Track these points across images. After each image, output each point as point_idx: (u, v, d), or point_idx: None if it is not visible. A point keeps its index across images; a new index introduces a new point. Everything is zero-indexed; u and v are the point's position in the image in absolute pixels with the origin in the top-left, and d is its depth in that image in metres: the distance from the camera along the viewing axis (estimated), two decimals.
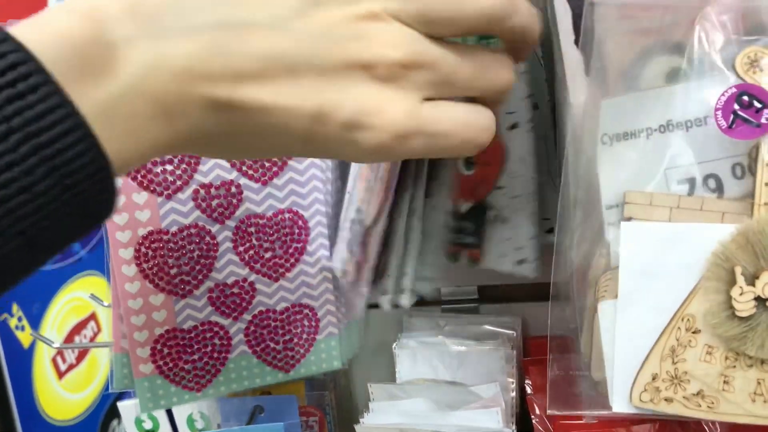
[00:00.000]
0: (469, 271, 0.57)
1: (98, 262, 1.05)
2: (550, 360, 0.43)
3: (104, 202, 0.28)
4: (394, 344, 0.61)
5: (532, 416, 0.54)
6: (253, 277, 0.55)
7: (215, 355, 0.55)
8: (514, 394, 0.55)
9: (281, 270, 0.56)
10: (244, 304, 0.56)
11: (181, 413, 0.66)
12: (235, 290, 0.55)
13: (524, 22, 0.35)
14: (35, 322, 0.95)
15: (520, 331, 0.62)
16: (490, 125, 0.36)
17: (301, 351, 0.57)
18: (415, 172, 0.45)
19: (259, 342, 0.56)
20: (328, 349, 0.58)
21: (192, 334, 0.54)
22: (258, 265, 0.55)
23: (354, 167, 0.50)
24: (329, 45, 0.32)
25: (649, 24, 0.40)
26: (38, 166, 0.25)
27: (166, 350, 0.54)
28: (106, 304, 0.79)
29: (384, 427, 0.47)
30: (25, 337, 0.95)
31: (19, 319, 0.94)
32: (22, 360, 0.95)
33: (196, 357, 0.54)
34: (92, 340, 1.01)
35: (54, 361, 0.97)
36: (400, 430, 0.47)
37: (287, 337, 0.56)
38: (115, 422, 0.88)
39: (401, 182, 0.45)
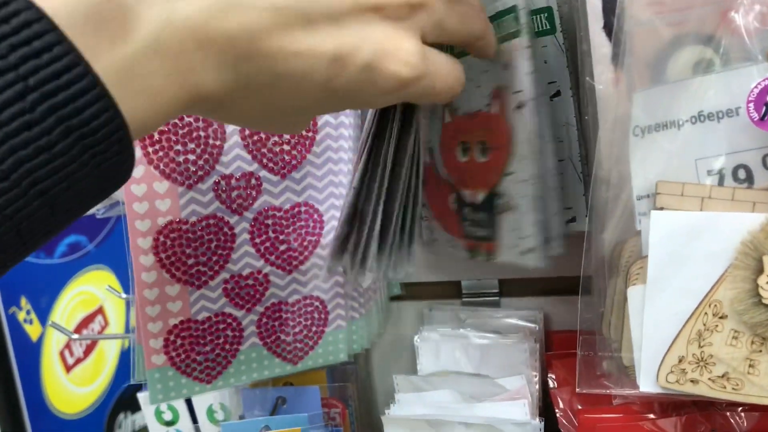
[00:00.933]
0: (488, 264, 0.59)
1: (106, 256, 1.07)
2: (579, 341, 0.45)
3: (122, 163, 0.29)
4: (416, 337, 0.62)
5: (557, 410, 0.55)
6: (267, 269, 0.57)
7: (227, 346, 0.56)
8: (537, 387, 0.57)
9: (295, 263, 0.58)
10: (257, 295, 0.57)
11: (200, 404, 0.68)
12: (250, 282, 0.57)
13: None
14: (43, 315, 0.97)
15: (542, 324, 0.64)
16: (462, 75, 0.39)
17: (310, 343, 0.59)
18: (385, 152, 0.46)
19: (270, 334, 0.58)
20: (336, 342, 0.60)
21: (205, 326, 0.56)
22: (273, 257, 0.57)
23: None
24: None
25: (678, 14, 0.42)
26: (56, 126, 0.26)
27: (179, 341, 0.55)
28: (124, 295, 0.81)
29: (411, 418, 0.49)
30: (33, 330, 0.97)
31: (28, 312, 0.96)
32: (30, 353, 0.97)
33: (208, 348, 0.56)
34: (100, 333, 1.03)
35: (62, 354, 0.99)
36: (426, 422, 0.49)
37: (297, 329, 0.58)
38: (121, 416, 0.91)
39: (375, 160, 0.47)
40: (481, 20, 0.41)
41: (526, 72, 0.50)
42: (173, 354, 0.55)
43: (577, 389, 0.44)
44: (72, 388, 0.94)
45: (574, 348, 0.46)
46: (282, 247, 0.57)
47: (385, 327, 0.69)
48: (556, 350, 0.62)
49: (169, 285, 0.54)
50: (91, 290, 1.03)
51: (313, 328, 0.59)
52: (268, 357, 0.58)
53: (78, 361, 1.00)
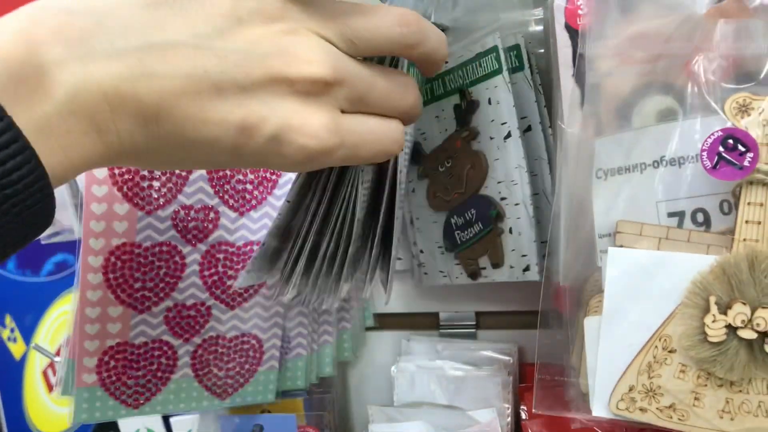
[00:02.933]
0: (466, 297, 0.64)
1: None
2: (537, 366, 0.49)
3: (43, 211, 0.32)
4: (393, 367, 0.67)
5: None
6: (211, 302, 0.60)
7: (159, 374, 0.59)
8: (509, 419, 0.61)
9: (239, 299, 0.61)
10: (197, 327, 0.60)
11: (180, 429, 0.70)
12: (192, 312, 0.60)
13: (433, 48, 0.42)
14: (28, 333, 0.99)
15: (517, 357, 0.68)
16: (400, 137, 0.42)
17: (241, 380, 0.62)
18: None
19: (204, 366, 0.61)
20: (266, 382, 0.63)
21: (141, 350, 0.58)
22: (218, 291, 0.60)
23: None
24: (253, 61, 0.35)
25: (644, 66, 0.47)
26: None
27: (113, 363, 0.57)
28: (56, 359, 0.84)
29: None
30: (17, 348, 0.99)
31: (12, 331, 0.99)
32: (13, 371, 0.99)
33: (140, 373, 0.58)
34: None
35: (45, 373, 1.00)
36: None
37: (231, 365, 0.61)
38: None
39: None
40: (410, 95, 0.43)
41: (511, 104, 0.56)
42: (105, 375, 0.57)
43: (533, 409, 0.49)
44: (54, 408, 0.95)
45: (560, 383, 0.51)
46: (229, 282, 0.60)
47: (360, 351, 0.74)
48: (529, 382, 0.67)
49: (112, 306, 0.56)
50: None
51: (246, 366, 0.62)
52: (198, 389, 0.61)
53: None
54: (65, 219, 0.64)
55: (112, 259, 0.56)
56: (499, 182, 0.60)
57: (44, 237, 0.64)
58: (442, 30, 0.61)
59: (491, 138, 0.60)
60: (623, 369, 0.45)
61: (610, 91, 0.47)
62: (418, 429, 0.58)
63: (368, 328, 0.74)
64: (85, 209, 0.54)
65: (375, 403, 0.65)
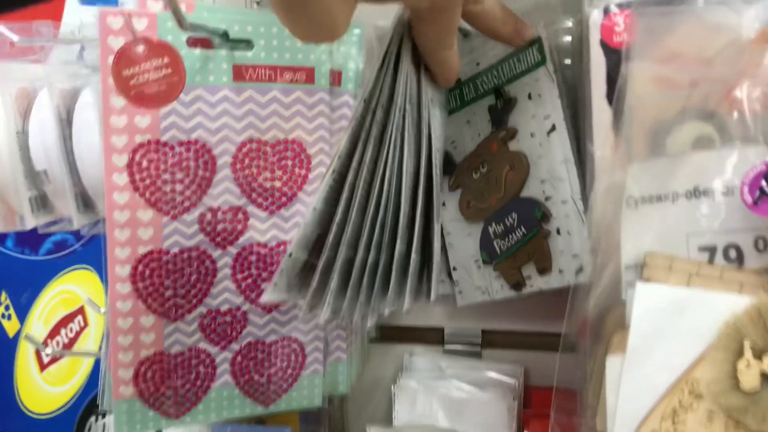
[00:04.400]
0: (472, 313, 0.60)
1: (92, 257, 1.07)
2: (554, 405, 0.46)
3: None
4: (394, 384, 0.64)
5: None
6: (246, 307, 0.57)
7: (198, 383, 0.57)
8: None
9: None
10: (234, 333, 0.58)
11: None
12: (228, 318, 0.57)
13: None
14: (23, 311, 0.98)
15: (522, 380, 0.65)
16: None
17: (284, 386, 0.59)
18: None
19: (244, 373, 0.58)
20: (311, 386, 0.60)
21: (178, 360, 0.56)
22: (254, 295, 0.58)
23: None
24: None
25: (682, 90, 0.43)
26: None
27: (150, 374, 0.55)
28: (102, 310, 0.82)
29: None
30: (10, 325, 0.98)
31: (6, 308, 0.98)
32: (5, 348, 0.98)
33: (179, 383, 0.56)
34: (78, 334, 1.03)
35: (38, 352, 0.99)
36: None
37: (272, 371, 0.58)
38: (92, 419, 0.90)
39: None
40: None
41: (555, 96, 0.54)
42: (143, 386, 0.55)
43: None
44: (45, 387, 0.94)
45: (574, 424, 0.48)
46: (264, 285, 0.58)
47: (363, 370, 0.70)
48: (535, 407, 0.64)
49: (144, 315, 0.54)
50: (73, 290, 1.04)
51: (289, 371, 0.59)
52: (239, 397, 0.58)
53: (53, 360, 1.01)
54: (63, 208, 0.62)
55: (140, 267, 0.54)
56: (542, 181, 0.56)
57: (42, 226, 0.63)
58: (465, 35, 0.58)
59: (532, 135, 0.56)
60: (646, 413, 0.41)
61: (645, 115, 0.44)
62: None
63: (371, 341, 0.71)
64: (108, 218, 0.52)
65: (374, 420, 0.62)
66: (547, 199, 0.56)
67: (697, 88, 0.43)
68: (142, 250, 0.54)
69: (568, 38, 0.57)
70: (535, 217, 0.57)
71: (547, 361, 0.66)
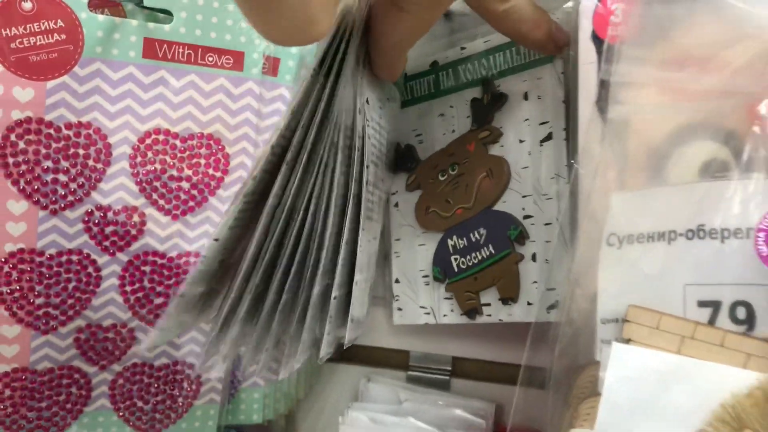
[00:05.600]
0: (444, 336, 0.54)
1: None
2: None
3: None
4: (341, 416, 0.56)
5: None
6: (134, 324, 0.51)
7: (68, 405, 0.51)
8: None
9: None
10: (117, 352, 0.52)
11: None
12: (110, 335, 0.51)
13: None
14: None
15: (492, 420, 0.57)
16: None
17: (173, 416, 0.54)
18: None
19: (125, 398, 0.52)
20: (205, 418, 0.54)
21: (45, 378, 0.50)
22: (144, 311, 0.51)
23: None
24: None
25: (691, 102, 0.34)
26: None
27: (8, 392, 0.49)
28: None
29: None
30: None
31: None
32: None
33: (44, 405, 0.50)
34: None
35: None
36: None
37: (160, 398, 0.52)
38: None
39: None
40: None
41: (560, 100, 0.47)
42: (1, 407, 0.49)
43: None
44: None
45: None
46: (158, 301, 0.51)
47: (307, 393, 0.63)
48: None
49: (6, 324, 0.48)
50: None
51: (180, 399, 0.53)
52: (118, 424, 0.52)
53: None
54: None
55: (6, 268, 0.47)
56: (524, 196, 0.49)
57: None
58: (446, 16, 0.50)
59: (521, 141, 0.49)
60: None
61: (643, 130, 0.35)
62: None
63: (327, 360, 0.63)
64: None
65: None
66: (526, 217, 0.49)
67: (711, 100, 0.34)
68: (10, 247, 0.47)
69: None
70: (509, 237, 0.49)
71: (522, 395, 0.58)
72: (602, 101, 0.37)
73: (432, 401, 0.57)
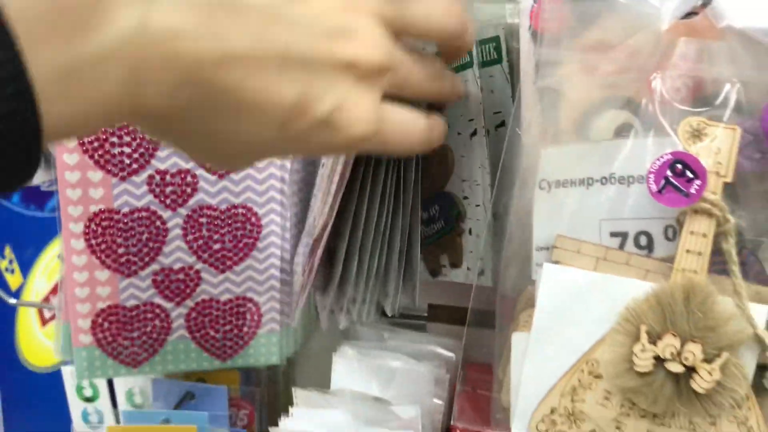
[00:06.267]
0: (423, 287, 0.61)
1: None
2: (461, 376, 0.47)
3: (25, 165, 0.27)
4: (333, 353, 0.64)
5: None
6: (199, 266, 0.59)
7: (154, 335, 0.59)
8: (441, 416, 0.59)
9: (229, 263, 0.60)
10: (188, 290, 0.59)
11: (121, 387, 0.70)
12: (181, 276, 0.59)
13: (467, 42, 0.43)
14: (26, 266, 0.99)
15: (461, 354, 0.65)
16: (427, 135, 0.42)
17: (240, 342, 0.61)
18: (370, 192, 0.49)
19: (200, 329, 0.60)
20: (268, 344, 0.62)
21: (133, 313, 0.58)
22: (206, 255, 0.59)
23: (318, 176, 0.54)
24: (319, 36, 0.34)
25: (606, 78, 0.44)
26: None
27: (106, 324, 0.57)
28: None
29: None
30: (14, 279, 0.99)
31: (10, 262, 0.98)
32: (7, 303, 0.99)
33: (135, 335, 0.58)
34: None
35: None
36: None
37: (228, 327, 0.60)
38: None
39: (358, 201, 0.49)
40: (445, 82, 0.44)
41: (479, 102, 0.54)
42: (100, 336, 0.57)
43: (452, 422, 0.46)
44: (45, 341, 0.95)
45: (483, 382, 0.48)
46: (216, 246, 0.59)
47: (308, 337, 0.72)
48: (468, 382, 0.65)
49: (98, 270, 0.56)
50: None
51: (245, 329, 0.61)
52: (196, 351, 0.60)
53: (54, 315, 1.01)
54: None
55: (93, 225, 0.56)
56: (463, 180, 0.57)
57: (45, 184, 0.69)
58: None
59: (459, 134, 0.57)
60: (547, 390, 0.42)
61: (571, 100, 0.44)
62: (340, 418, 0.56)
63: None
64: (59, 177, 0.54)
65: (316, 385, 0.63)
66: (465, 198, 0.57)
67: (621, 76, 0.43)
68: (93, 208, 0.55)
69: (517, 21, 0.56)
70: (453, 215, 0.58)
71: (485, 337, 0.66)
72: (538, 80, 0.46)
73: (410, 339, 0.66)
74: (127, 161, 0.55)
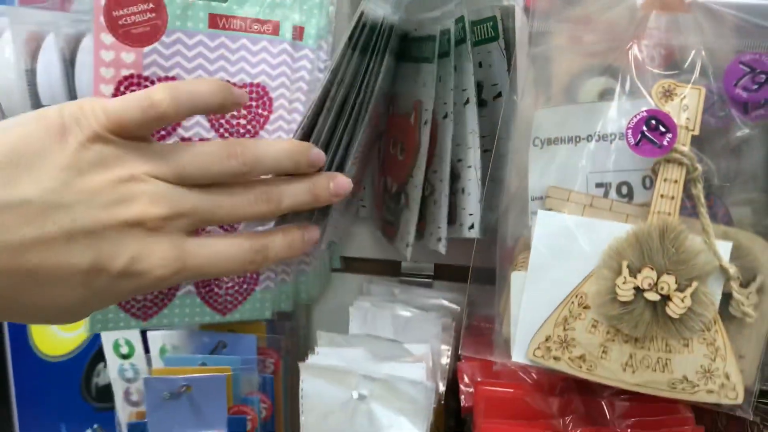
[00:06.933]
0: (428, 250, 0.67)
1: None
2: (467, 312, 0.53)
3: None
4: (350, 306, 0.70)
5: (461, 382, 0.63)
6: (209, 227, 0.61)
7: (165, 290, 0.62)
8: (448, 360, 0.65)
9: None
10: None
11: (155, 342, 0.73)
12: None
13: (265, 170, 0.47)
14: None
15: (465, 306, 0.71)
16: (251, 257, 0.47)
17: (239, 298, 0.64)
18: None
19: (205, 285, 0.63)
20: (263, 300, 0.65)
21: None
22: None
23: None
24: (98, 208, 0.39)
25: (591, 47, 0.50)
26: None
27: None
28: None
29: (322, 367, 0.57)
30: None
31: None
32: None
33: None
34: None
35: None
36: (335, 371, 0.56)
37: (230, 284, 0.64)
38: (101, 365, 0.93)
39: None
40: (261, 203, 0.47)
41: (470, 73, 0.59)
42: None
43: (459, 351, 0.52)
44: (57, 331, 0.96)
45: (486, 330, 0.54)
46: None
47: (324, 289, 0.77)
48: (472, 331, 0.70)
49: None
50: None
51: (244, 285, 0.64)
52: (200, 305, 0.63)
53: None
54: None
55: None
56: (457, 145, 0.62)
57: None
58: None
59: (454, 103, 0.61)
60: (542, 320, 0.48)
61: (560, 69, 0.50)
62: (359, 355, 0.61)
63: (334, 270, 0.78)
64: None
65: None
66: (459, 161, 0.62)
67: (602, 45, 0.49)
68: None
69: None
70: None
71: (487, 292, 0.72)
72: (533, 52, 0.52)
73: (420, 294, 0.72)
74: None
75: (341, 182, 0.50)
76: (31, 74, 0.67)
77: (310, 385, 0.56)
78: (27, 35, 0.66)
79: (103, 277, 0.40)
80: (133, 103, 0.41)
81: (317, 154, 0.49)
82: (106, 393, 0.90)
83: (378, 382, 0.55)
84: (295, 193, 0.48)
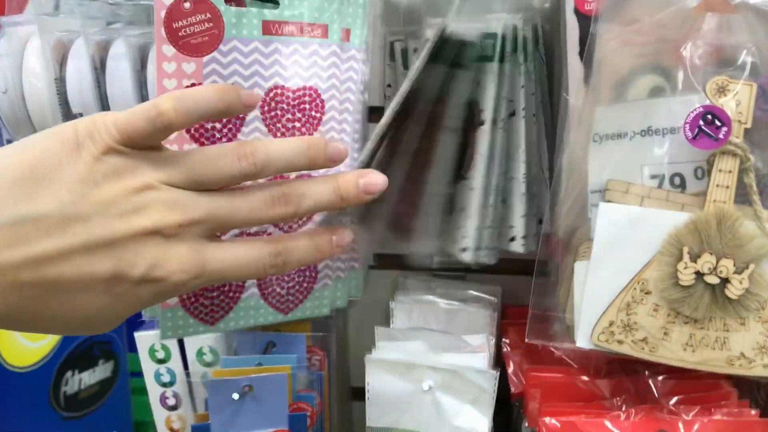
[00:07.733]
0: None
1: None
2: (532, 302, 0.55)
3: None
4: (391, 300, 0.71)
5: (508, 369, 0.66)
6: (271, 229, 0.62)
7: (230, 294, 0.62)
8: (492, 350, 0.67)
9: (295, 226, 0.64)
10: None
11: (191, 346, 0.75)
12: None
13: (278, 170, 0.47)
14: None
15: (500, 297, 0.74)
16: (268, 261, 0.47)
17: (300, 297, 0.65)
18: None
19: (268, 286, 0.63)
20: (321, 298, 0.66)
21: None
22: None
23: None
24: (114, 219, 0.40)
25: (640, 48, 0.52)
26: None
27: None
28: None
29: (389, 361, 0.58)
30: None
31: None
32: None
33: (214, 294, 0.61)
34: None
35: None
36: (401, 365, 0.58)
37: (291, 284, 0.64)
38: (69, 373, 0.90)
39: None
40: (278, 205, 0.47)
41: (493, 97, 0.59)
42: (185, 296, 0.60)
43: (526, 339, 0.55)
44: (23, 341, 0.92)
45: (525, 319, 0.57)
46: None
47: (362, 290, 0.79)
48: (511, 319, 0.73)
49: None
50: None
51: (304, 284, 0.65)
52: (264, 306, 0.64)
53: None
54: None
55: None
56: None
57: None
58: None
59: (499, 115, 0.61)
60: (605, 307, 0.51)
61: (610, 68, 0.52)
62: (419, 347, 0.62)
63: (370, 267, 0.79)
64: None
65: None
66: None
67: (653, 47, 0.52)
68: None
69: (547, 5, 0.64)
70: None
71: (520, 284, 0.74)
72: (582, 53, 0.54)
73: (455, 287, 0.74)
74: (218, 135, 0.57)
75: (373, 179, 0.49)
76: (60, 82, 0.67)
77: (376, 378, 0.58)
78: (54, 42, 0.67)
79: (124, 284, 0.41)
80: (140, 114, 0.42)
81: (335, 148, 0.48)
82: (75, 402, 0.88)
83: (444, 372, 0.57)
84: (317, 193, 0.48)
